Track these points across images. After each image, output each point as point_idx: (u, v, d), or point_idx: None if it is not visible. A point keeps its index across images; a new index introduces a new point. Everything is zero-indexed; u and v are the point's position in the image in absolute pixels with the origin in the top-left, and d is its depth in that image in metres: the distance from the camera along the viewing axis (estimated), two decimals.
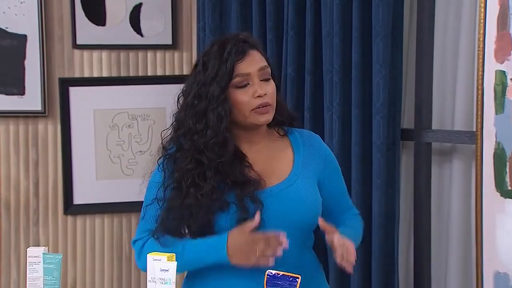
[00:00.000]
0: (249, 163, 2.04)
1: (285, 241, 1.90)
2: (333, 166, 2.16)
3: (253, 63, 2.03)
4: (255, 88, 2.01)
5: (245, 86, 2.01)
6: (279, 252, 1.90)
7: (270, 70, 2.07)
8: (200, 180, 1.99)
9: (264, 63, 2.06)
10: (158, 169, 2.09)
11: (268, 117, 2.05)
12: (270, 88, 2.04)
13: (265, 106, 2.02)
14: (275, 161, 2.09)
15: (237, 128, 2.05)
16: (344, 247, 1.93)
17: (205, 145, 2.00)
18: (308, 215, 2.04)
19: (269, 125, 2.12)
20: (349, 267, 1.95)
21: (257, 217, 1.93)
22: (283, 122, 2.15)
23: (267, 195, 2.01)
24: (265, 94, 2.01)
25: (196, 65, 2.08)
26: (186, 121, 2.03)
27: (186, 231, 2.04)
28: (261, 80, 2.03)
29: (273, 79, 2.08)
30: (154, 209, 2.07)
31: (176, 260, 1.80)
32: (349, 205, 2.23)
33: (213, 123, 1.99)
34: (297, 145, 2.13)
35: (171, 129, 2.10)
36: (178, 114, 2.08)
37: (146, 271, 1.84)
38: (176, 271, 1.76)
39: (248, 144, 2.08)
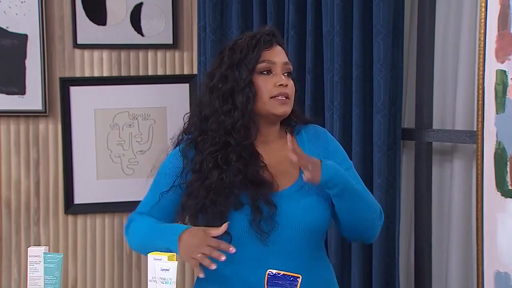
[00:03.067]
0: (264, 163, 2.04)
1: (232, 251, 1.89)
2: (337, 157, 2.13)
3: (280, 55, 2.07)
4: (277, 78, 2.04)
5: (268, 73, 2.04)
6: (222, 258, 1.88)
7: (292, 68, 2.11)
8: (223, 163, 2.00)
9: (288, 60, 2.10)
10: (179, 153, 2.09)
11: (286, 109, 2.05)
12: (290, 83, 2.07)
13: (285, 97, 2.04)
14: (285, 163, 2.08)
15: (256, 120, 2.06)
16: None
17: (232, 125, 2.01)
18: (319, 216, 2.04)
19: (281, 124, 2.13)
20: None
21: (224, 227, 1.91)
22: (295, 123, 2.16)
23: (280, 197, 2.02)
24: (286, 85, 2.04)
25: (221, 52, 2.11)
26: (211, 103, 2.05)
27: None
28: (283, 74, 2.06)
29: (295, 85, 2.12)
30: (167, 197, 2.07)
31: (139, 237, 1.97)
32: None
33: (242, 104, 2.01)
34: (303, 145, 2.12)
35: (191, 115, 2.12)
36: (201, 98, 2.10)
37: (130, 246, 2.10)
38: (137, 248, 1.88)
39: (263, 145, 2.08)
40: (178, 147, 2.11)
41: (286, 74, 2.07)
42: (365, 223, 2.06)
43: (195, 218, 2.03)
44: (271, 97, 2.03)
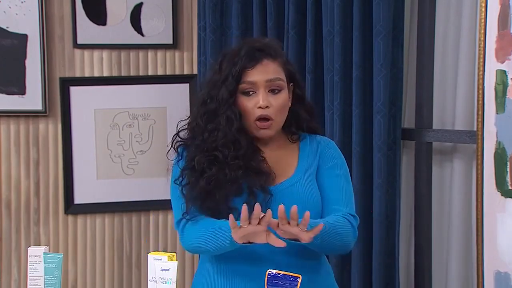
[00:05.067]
0: (263, 157, 2.06)
1: (268, 214, 1.85)
2: (331, 160, 2.13)
3: (263, 73, 2.03)
4: (258, 98, 2.02)
5: (250, 94, 2.03)
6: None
7: (282, 84, 2.06)
8: (218, 162, 2.02)
9: (276, 75, 2.05)
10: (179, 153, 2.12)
11: (268, 133, 2.06)
12: (276, 101, 2.04)
13: (266, 119, 2.03)
14: (282, 163, 2.11)
15: (248, 131, 2.07)
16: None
17: (216, 144, 2.02)
18: (312, 210, 2.02)
19: (284, 131, 2.14)
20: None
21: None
22: (299, 130, 2.16)
23: (276, 190, 2.04)
24: (266, 106, 2.02)
25: (217, 61, 2.11)
26: (197, 117, 2.06)
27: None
28: (268, 91, 2.03)
29: (298, 89, 2.10)
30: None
31: (209, 241, 1.93)
32: (345, 202, 2.10)
33: (223, 126, 2.02)
34: (304, 148, 2.14)
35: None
36: (194, 108, 2.12)
37: (189, 250, 2.07)
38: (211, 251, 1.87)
39: (262, 144, 2.10)
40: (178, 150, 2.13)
41: (273, 90, 2.04)
42: (335, 251, 2.16)
43: (200, 207, 2.03)
44: (254, 120, 2.03)
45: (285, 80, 2.08)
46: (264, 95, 2.02)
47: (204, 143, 2.04)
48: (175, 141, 2.12)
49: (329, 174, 2.12)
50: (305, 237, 1.86)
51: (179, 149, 2.11)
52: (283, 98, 2.06)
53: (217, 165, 2.01)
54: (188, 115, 2.14)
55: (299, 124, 2.15)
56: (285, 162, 2.11)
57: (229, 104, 2.01)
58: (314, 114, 2.19)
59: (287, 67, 2.10)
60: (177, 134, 2.12)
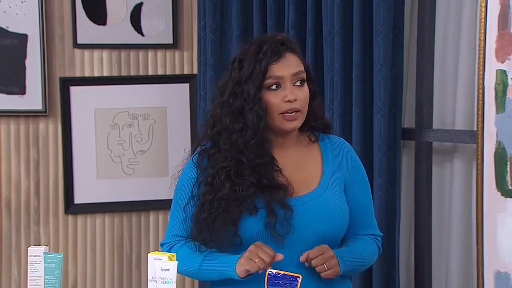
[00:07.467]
0: (278, 167, 2.03)
1: (279, 258, 1.93)
2: (359, 177, 2.14)
3: (288, 67, 2.02)
4: (285, 92, 2.00)
5: (276, 88, 2.01)
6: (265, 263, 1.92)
7: (305, 75, 2.05)
8: (235, 177, 1.99)
9: (299, 68, 2.04)
10: (193, 165, 2.08)
11: (296, 124, 2.03)
12: (302, 93, 2.02)
13: (294, 112, 2.01)
14: (304, 168, 2.08)
15: (268, 132, 2.03)
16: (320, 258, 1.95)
17: (244, 145, 1.99)
18: (336, 225, 2.04)
19: (301, 130, 2.11)
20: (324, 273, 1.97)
21: (279, 256, 1.94)
22: (316, 127, 2.14)
23: (296, 203, 2.00)
24: (295, 99, 2.00)
25: (232, 62, 2.07)
26: (222, 119, 2.02)
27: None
28: (294, 85, 2.02)
29: (311, 84, 2.08)
30: (189, 208, 2.07)
31: (193, 269, 2.01)
32: (371, 223, 2.18)
33: (253, 123, 1.98)
34: (326, 153, 2.11)
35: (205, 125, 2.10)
36: (213, 111, 2.07)
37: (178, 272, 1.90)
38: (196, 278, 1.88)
39: (279, 149, 2.06)
40: (191, 158, 2.10)
41: (298, 82, 2.02)
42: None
43: (208, 230, 2.02)
44: (280, 113, 2.00)
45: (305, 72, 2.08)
46: (291, 88, 2.00)
47: (232, 145, 2.00)
48: (196, 153, 2.08)
49: (360, 189, 2.13)
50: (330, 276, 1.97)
51: (198, 161, 2.07)
52: (306, 90, 2.05)
53: (232, 181, 1.98)
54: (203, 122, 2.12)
55: (315, 120, 2.12)
56: (308, 168, 2.08)
57: (256, 100, 1.98)
58: (324, 110, 2.19)
59: (304, 61, 2.09)
60: (198, 144, 2.10)
